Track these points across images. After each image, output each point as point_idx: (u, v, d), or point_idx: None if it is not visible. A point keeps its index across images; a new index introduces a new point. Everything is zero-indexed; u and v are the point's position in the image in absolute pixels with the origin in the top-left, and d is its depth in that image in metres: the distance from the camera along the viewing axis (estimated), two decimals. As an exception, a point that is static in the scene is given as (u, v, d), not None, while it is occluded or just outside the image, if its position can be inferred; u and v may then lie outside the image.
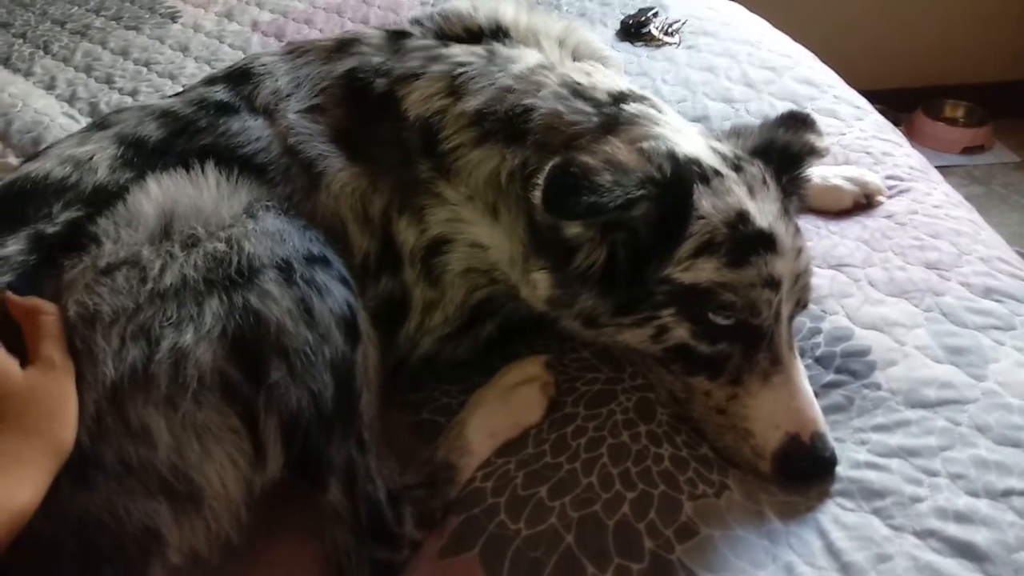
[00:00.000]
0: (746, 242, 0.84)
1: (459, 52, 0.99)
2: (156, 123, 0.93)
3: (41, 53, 1.83)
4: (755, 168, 0.91)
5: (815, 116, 1.06)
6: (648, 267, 0.85)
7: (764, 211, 0.87)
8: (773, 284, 0.85)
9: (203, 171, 0.86)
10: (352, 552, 0.81)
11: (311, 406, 0.78)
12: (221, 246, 0.79)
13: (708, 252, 0.84)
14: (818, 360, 1.01)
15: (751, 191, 0.88)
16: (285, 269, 0.80)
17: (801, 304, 0.90)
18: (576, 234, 0.86)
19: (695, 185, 0.85)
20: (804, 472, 0.86)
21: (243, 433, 0.77)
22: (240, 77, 1.01)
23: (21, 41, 1.88)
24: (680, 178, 0.84)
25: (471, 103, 0.95)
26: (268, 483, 0.80)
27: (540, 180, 0.82)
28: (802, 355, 0.92)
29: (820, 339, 1.04)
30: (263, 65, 1.02)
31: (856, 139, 1.44)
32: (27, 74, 1.73)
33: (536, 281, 0.92)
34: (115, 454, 0.72)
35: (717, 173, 0.88)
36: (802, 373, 0.89)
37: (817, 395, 0.90)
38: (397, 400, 0.99)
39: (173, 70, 1.74)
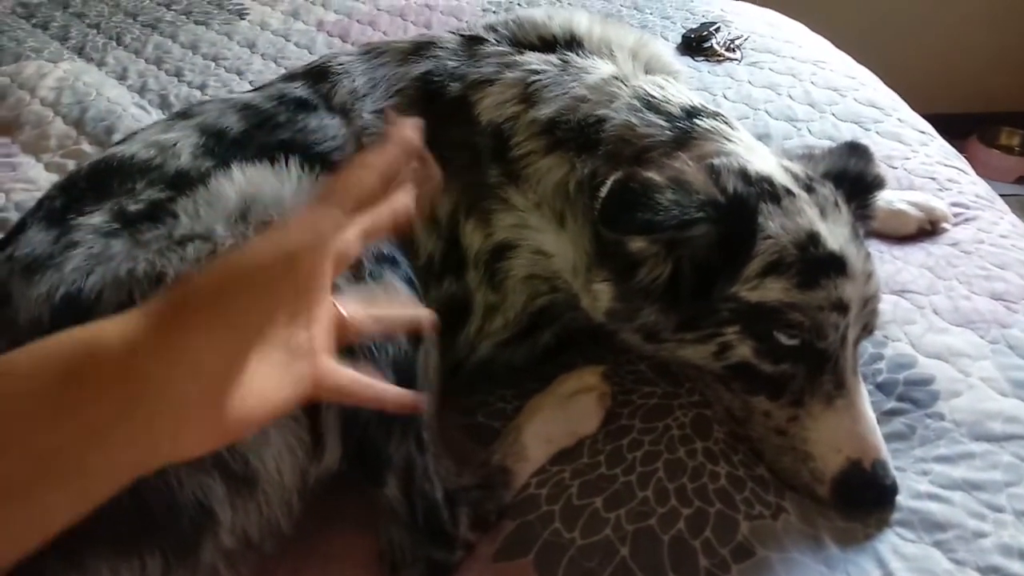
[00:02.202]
0: (816, 264, 0.84)
1: (533, 60, 1.00)
2: (237, 115, 0.96)
3: (114, 44, 1.87)
4: (827, 190, 0.90)
5: (874, 147, 1.07)
6: (714, 285, 0.85)
7: (835, 233, 0.86)
8: (842, 308, 0.84)
9: (287, 165, 0.87)
10: (407, 550, 0.82)
11: None
12: None
13: (777, 272, 0.83)
14: (879, 386, 1.00)
15: (823, 212, 0.87)
16: (354, 265, 0.81)
17: (868, 329, 0.89)
18: (640, 248, 0.86)
19: (763, 205, 0.85)
20: (864, 499, 0.85)
21: (303, 422, 0.78)
22: (319, 75, 1.03)
23: (95, 32, 1.93)
24: (743, 201, 0.84)
25: (544, 111, 0.95)
26: (323, 475, 0.81)
27: (602, 191, 0.82)
28: (864, 380, 0.91)
29: (882, 365, 1.02)
30: (340, 64, 1.03)
31: (921, 164, 1.42)
32: (100, 64, 1.78)
33: (598, 292, 0.92)
34: None
35: (789, 192, 0.87)
36: (865, 398, 0.87)
37: (878, 422, 0.89)
38: (451, 402, 0.99)
39: (241, 66, 1.78)
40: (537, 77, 0.98)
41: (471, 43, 1.04)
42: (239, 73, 1.75)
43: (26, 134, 1.51)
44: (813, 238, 0.84)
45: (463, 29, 1.10)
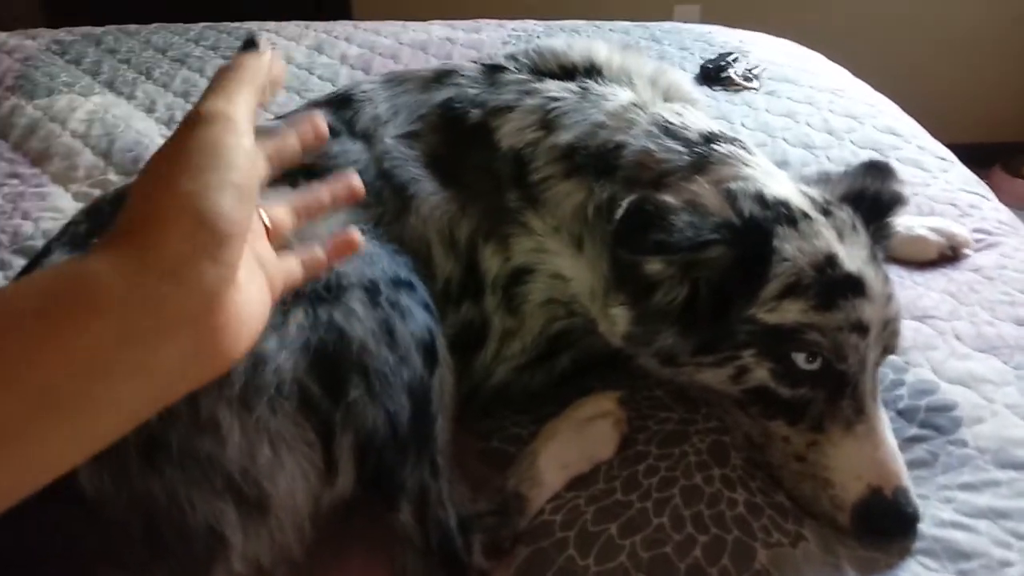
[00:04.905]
0: (834, 285, 0.83)
1: (553, 87, 1.01)
2: None
3: (143, 78, 1.92)
4: (844, 213, 0.90)
5: (895, 165, 1.06)
6: (731, 307, 0.85)
7: (853, 255, 0.86)
8: (861, 329, 0.83)
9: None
10: (421, 577, 0.81)
11: (387, 427, 0.79)
12: None
13: (795, 294, 0.83)
14: (901, 413, 0.98)
15: (840, 235, 0.87)
16: (371, 290, 0.82)
17: (888, 350, 0.88)
18: (656, 270, 0.86)
19: (779, 227, 0.85)
20: (885, 527, 0.83)
21: (317, 447, 0.77)
22: (342, 102, 1.05)
23: (125, 67, 1.98)
24: (758, 224, 0.84)
25: (563, 137, 0.96)
26: (336, 500, 0.80)
27: (617, 213, 0.83)
28: (884, 406, 0.90)
29: (903, 391, 1.01)
30: (364, 92, 1.05)
31: (942, 190, 1.41)
32: (129, 97, 1.82)
33: (616, 316, 0.92)
34: (181, 441, 0.71)
35: (806, 216, 0.87)
36: (886, 424, 0.86)
37: (900, 449, 0.87)
38: (467, 427, 0.99)
39: (265, 98, 1.81)
40: (557, 104, 0.99)
41: (492, 71, 1.06)
42: (262, 105, 1.77)
43: (55, 165, 1.55)
44: (831, 260, 0.84)
45: (484, 59, 1.11)
